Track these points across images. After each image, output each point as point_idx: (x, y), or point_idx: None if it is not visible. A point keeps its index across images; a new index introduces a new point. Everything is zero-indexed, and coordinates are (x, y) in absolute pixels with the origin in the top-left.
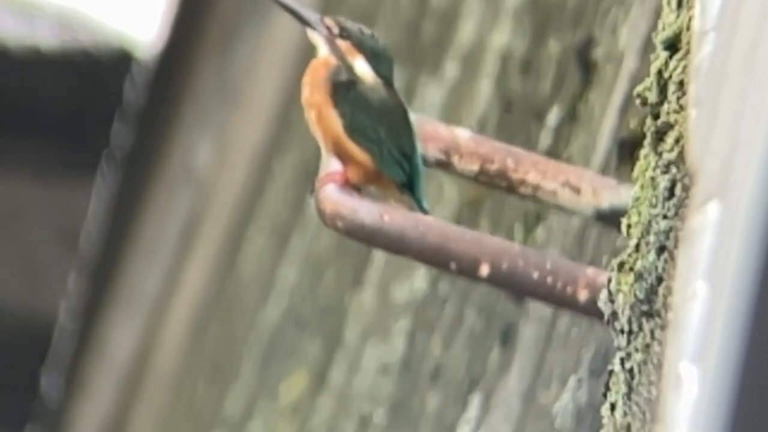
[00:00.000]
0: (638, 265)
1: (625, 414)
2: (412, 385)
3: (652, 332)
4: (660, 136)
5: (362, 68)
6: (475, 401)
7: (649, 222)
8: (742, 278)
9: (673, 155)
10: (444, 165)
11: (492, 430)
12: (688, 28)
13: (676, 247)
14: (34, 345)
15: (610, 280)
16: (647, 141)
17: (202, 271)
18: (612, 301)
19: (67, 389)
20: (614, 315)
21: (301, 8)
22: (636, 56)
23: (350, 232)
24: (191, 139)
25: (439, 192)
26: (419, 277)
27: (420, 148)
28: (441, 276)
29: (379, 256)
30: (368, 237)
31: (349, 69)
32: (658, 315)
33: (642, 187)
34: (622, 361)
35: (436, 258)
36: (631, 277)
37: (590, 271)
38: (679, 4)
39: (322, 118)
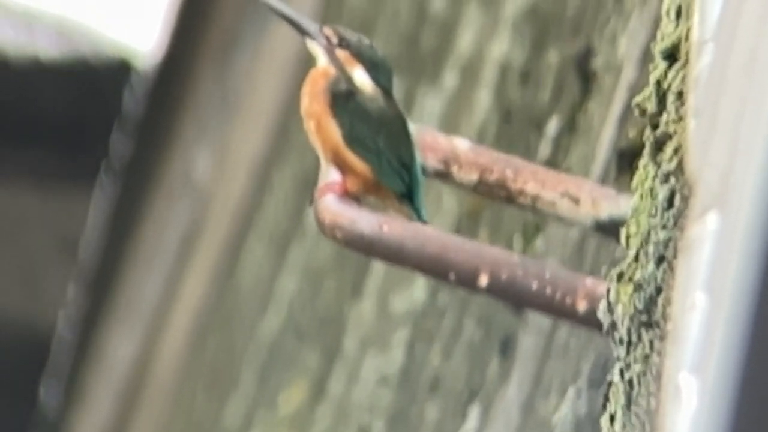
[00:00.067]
0: (637, 276)
1: (624, 425)
2: (412, 396)
3: (651, 343)
4: (659, 146)
5: (361, 78)
6: (475, 412)
7: (648, 232)
8: (741, 289)
9: (672, 165)
10: (443, 175)
11: None
12: (687, 39)
13: (675, 257)
14: (33, 354)
15: (609, 291)
16: (646, 151)
17: (201, 281)
18: (611, 312)
19: (67, 399)
20: (613, 325)
21: (300, 18)
22: (635, 66)
23: (349, 242)
24: (190, 149)
25: (438, 202)
26: (418, 288)
27: (419, 158)
28: (440, 286)
29: (378, 267)
30: (367, 247)
31: (348, 79)
32: (657, 325)
33: (641, 197)
34: (622, 372)
35: (435, 268)
36: (630, 288)
37: (589, 281)
38: (678, 15)
39: (321, 128)
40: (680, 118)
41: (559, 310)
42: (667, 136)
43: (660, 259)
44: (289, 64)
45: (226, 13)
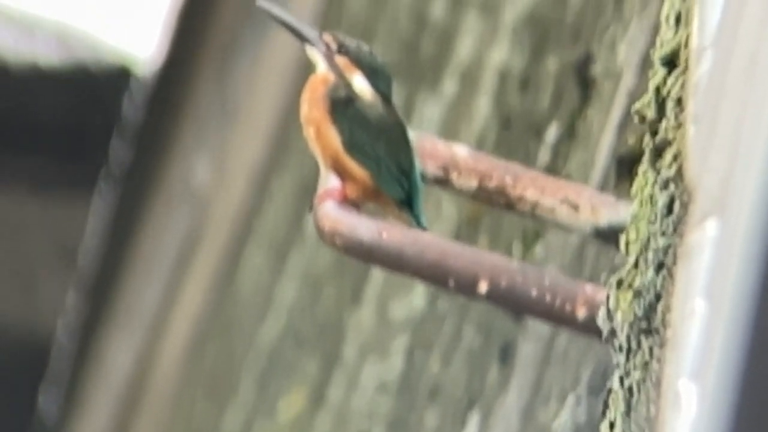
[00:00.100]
0: (637, 283)
1: None
2: (411, 403)
3: (650, 350)
4: (658, 152)
5: (361, 85)
6: (474, 419)
7: (648, 239)
8: (740, 295)
9: (671, 172)
10: (442, 182)
11: None
12: (686, 45)
13: (674, 264)
14: (32, 361)
15: (608, 298)
16: (646, 158)
17: (200, 288)
18: (610, 319)
19: (66, 406)
20: (613, 332)
21: (300, 25)
22: (634, 73)
23: (349, 249)
24: (190, 156)
25: (437, 209)
26: (418, 295)
27: (418, 164)
28: (439, 293)
29: (377, 274)
30: (367, 254)
31: (348, 85)
32: (657, 332)
33: (640, 203)
34: (621, 379)
35: (435, 275)
36: (629, 295)
37: (589, 288)
38: (678, 21)
39: (320, 134)
40: (679, 125)
41: (558, 317)
42: (667, 143)
43: (659, 266)
44: (289, 70)
45: (226, 19)
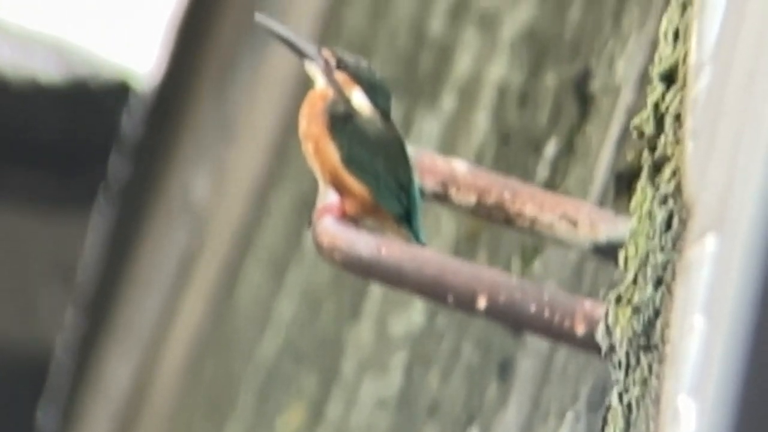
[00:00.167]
0: (636, 299)
1: None
2: (410, 420)
3: (649, 366)
4: (657, 168)
5: (359, 100)
6: None
7: (647, 255)
8: (739, 311)
9: (670, 188)
10: (441, 197)
11: None
12: (684, 61)
13: (673, 280)
14: (31, 378)
15: (607, 314)
16: (644, 173)
17: (199, 304)
18: (609, 335)
19: (64, 423)
20: (612, 348)
21: (299, 40)
22: (633, 89)
23: (347, 264)
24: (188, 172)
25: (436, 224)
26: (416, 311)
27: (417, 180)
28: (438, 309)
29: (376, 289)
30: (365, 270)
31: (347, 101)
32: (656, 348)
33: (639, 219)
34: (620, 395)
35: (434, 291)
36: (628, 311)
37: (588, 304)
38: (676, 37)
39: (319, 150)
40: (678, 141)
41: (557, 333)
42: (665, 159)
43: (658, 282)
44: (288, 86)
45: (225, 35)
